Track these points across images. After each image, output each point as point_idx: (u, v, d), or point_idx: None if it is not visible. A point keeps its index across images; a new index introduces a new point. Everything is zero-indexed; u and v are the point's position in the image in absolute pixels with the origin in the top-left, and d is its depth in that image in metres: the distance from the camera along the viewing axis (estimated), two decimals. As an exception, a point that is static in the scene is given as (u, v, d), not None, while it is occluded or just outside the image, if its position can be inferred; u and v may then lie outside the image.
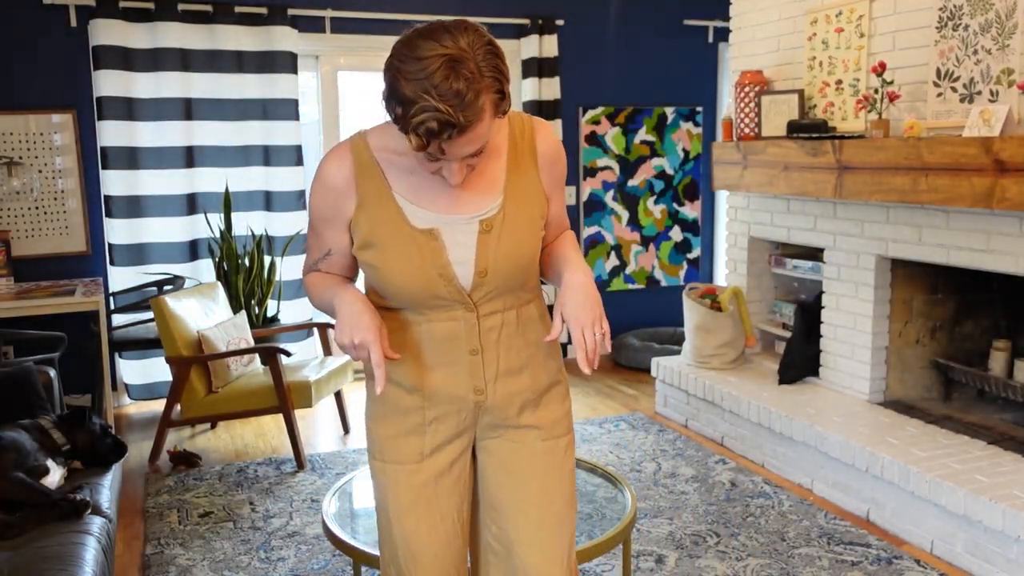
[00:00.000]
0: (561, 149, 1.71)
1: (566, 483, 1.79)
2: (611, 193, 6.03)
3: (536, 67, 5.54)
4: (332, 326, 4.61)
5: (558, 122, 5.65)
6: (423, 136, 1.40)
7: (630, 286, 6.20)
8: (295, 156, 5.19)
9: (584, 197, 5.98)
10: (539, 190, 1.66)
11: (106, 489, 2.82)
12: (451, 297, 1.62)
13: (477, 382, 1.68)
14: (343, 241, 1.67)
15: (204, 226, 5.05)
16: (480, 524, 1.82)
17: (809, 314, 4.38)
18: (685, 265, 6.35)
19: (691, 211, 6.32)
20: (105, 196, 4.85)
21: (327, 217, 1.65)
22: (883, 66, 3.66)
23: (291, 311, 5.28)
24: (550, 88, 5.56)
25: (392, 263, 1.60)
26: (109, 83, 4.74)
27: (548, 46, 5.55)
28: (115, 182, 4.83)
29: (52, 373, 3.32)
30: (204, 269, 5.12)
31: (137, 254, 4.93)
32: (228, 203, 4.96)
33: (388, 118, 1.49)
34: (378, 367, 1.55)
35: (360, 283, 1.77)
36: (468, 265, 1.60)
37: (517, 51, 5.63)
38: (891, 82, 3.68)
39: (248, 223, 5.10)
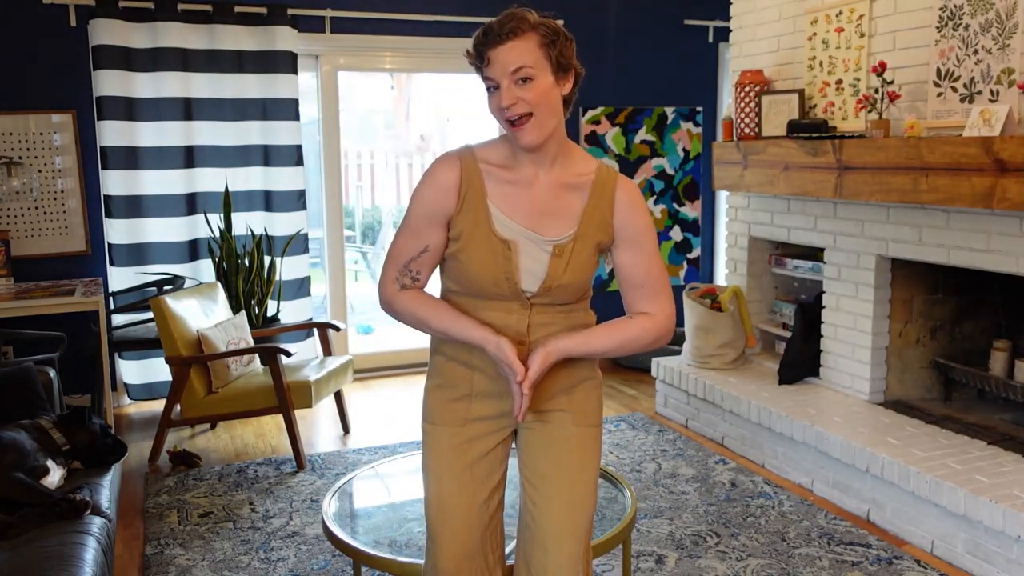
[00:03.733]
0: (639, 206, 1.89)
1: (592, 466, 1.97)
2: (611, 193, 6.03)
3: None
4: (332, 326, 4.63)
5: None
6: (474, 46, 1.74)
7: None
8: (295, 156, 5.19)
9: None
10: (608, 227, 1.87)
11: (106, 489, 2.82)
12: (512, 296, 1.86)
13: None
14: (440, 238, 1.87)
15: (204, 226, 5.05)
16: (521, 497, 1.99)
17: (809, 314, 4.38)
18: (685, 265, 6.35)
19: (691, 211, 6.31)
20: (105, 196, 4.85)
21: (431, 213, 1.86)
22: (883, 66, 3.65)
23: (291, 311, 5.28)
24: (550, 88, 5.55)
25: (471, 258, 1.84)
26: (109, 83, 4.74)
27: (548, 46, 5.54)
28: (115, 182, 4.83)
29: (52, 373, 3.32)
30: (204, 269, 5.12)
31: (137, 254, 4.93)
32: (228, 203, 4.95)
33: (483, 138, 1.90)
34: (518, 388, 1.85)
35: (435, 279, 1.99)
36: (538, 277, 1.85)
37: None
38: (891, 82, 3.68)
39: (248, 223, 5.10)
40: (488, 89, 1.77)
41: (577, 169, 1.87)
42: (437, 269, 1.95)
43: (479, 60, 1.75)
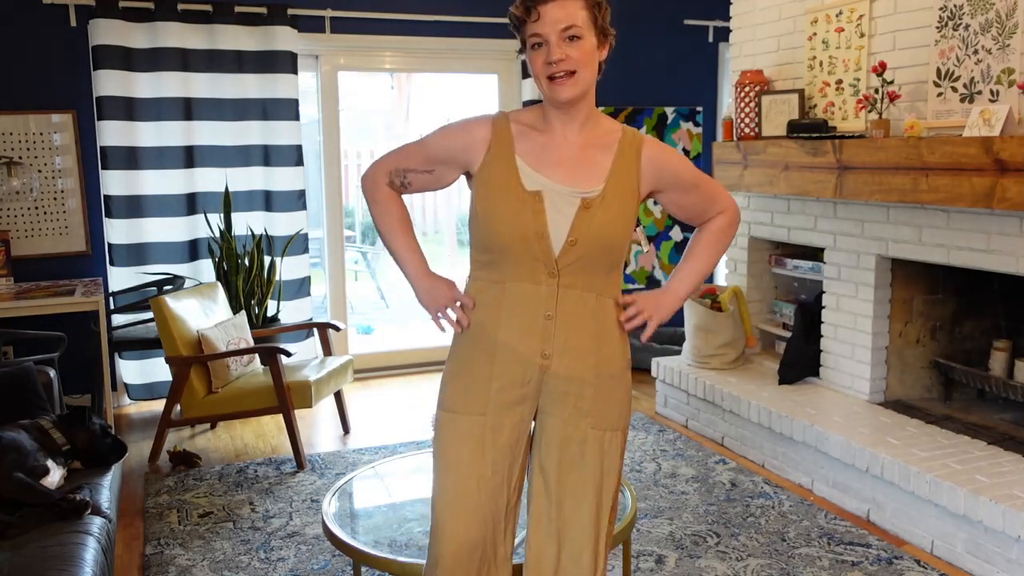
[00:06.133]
0: (666, 156, 1.95)
1: (607, 475, 1.94)
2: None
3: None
4: (332, 326, 4.63)
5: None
6: (521, 1, 1.78)
7: (630, 286, 6.19)
8: (295, 156, 5.19)
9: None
10: (635, 190, 1.90)
11: (106, 489, 2.82)
12: (540, 257, 1.84)
13: (545, 347, 1.87)
14: (447, 176, 1.94)
15: (204, 226, 5.05)
16: (530, 485, 1.98)
17: (809, 314, 4.38)
18: (685, 265, 6.34)
19: (691, 211, 6.31)
20: (105, 196, 4.85)
21: (452, 150, 1.91)
22: (883, 66, 3.66)
23: (291, 311, 5.28)
24: (550, 88, 5.55)
25: (498, 213, 1.84)
26: (109, 83, 4.74)
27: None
28: (115, 182, 4.83)
29: (52, 373, 3.32)
30: (204, 269, 5.12)
31: (137, 254, 4.93)
32: (228, 203, 4.95)
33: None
34: (460, 322, 1.93)
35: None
36: (562, 232, 1.83)
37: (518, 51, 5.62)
38: (891, 82, 3.68)
39: (248, 223, 5.10)
40: (532, 47, 1.81)
41: (604, 130, 1.92)
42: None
43: (527, 15, 1.78)
